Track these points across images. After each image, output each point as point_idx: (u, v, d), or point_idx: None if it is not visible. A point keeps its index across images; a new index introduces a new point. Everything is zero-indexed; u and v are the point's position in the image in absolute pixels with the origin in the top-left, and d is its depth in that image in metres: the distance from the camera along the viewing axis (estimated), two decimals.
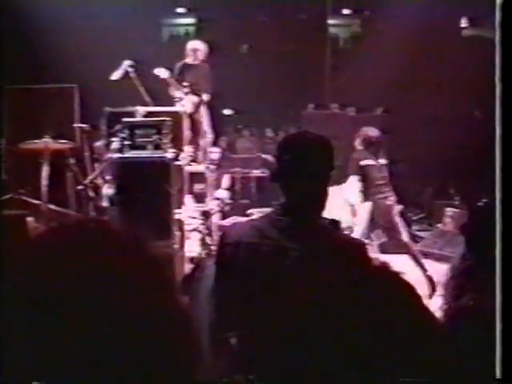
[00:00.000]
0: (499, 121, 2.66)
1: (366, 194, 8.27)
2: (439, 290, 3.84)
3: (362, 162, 8.19)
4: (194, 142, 9.30)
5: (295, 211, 2.82)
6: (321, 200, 2.90)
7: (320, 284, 2.64)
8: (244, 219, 8.07)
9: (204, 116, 9.73)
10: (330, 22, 13.72)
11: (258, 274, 2.79)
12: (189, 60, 9.88)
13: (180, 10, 14.40)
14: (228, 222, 8.80)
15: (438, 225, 10.40)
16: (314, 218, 2.88)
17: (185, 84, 9.38)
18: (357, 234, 8.17)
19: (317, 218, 2.88)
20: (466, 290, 3.06)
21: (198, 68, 9.87)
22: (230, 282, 2.87)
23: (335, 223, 2.97)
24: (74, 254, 1.13)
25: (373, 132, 8.50)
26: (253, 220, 3.20)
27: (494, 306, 2.66)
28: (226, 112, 10.13)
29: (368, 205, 8.26)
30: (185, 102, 9.29)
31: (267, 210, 8.19)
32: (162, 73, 9.38)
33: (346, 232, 5.19)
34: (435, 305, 5.28)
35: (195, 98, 9.52)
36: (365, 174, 8.22)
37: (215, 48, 10.76)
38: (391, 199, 8.36)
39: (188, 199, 8.35)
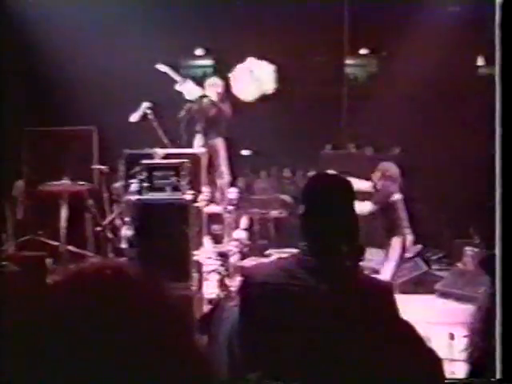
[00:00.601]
0: (499, 121, 2.66)
1: (393, 230, 8.36)
2: (465, 332, 3.80)
3: (391, 198, 8.33)
4: (212, 182, 9.31)
5: (322, 251, 2.84)
6: (347, 239, 2.93)
7: (344, 325, 2.65)
8: (262, 260, 8.07)
9: (221, 156, 9.76)
10: (347, 61, 13.79)
11: (285, 314, 2.80)
12: (206, 98, 9.91)
13: (198, 51, 14.53)
14: (247, 262, 8.78)
15: (458, 264, 10.31)
16: (342, 258, 2.90)
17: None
18: (388, 269, 8.19)
19: (344, 257, 2.90)
20: (492, 332, 3.04)
21: (217, 108, 9.91)
22: (256, 322, 2.87)
23: (359, 249, 2.98)
24: (93, 299, 1.13)
25: (392, 167, 8.65)
26: (279, 260, 3.21)
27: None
28: (244, 152, 10.16)
29: (399, 240, 8.32)
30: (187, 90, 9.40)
31: (286, 250, 8.18)
32: (161, 67, 9.55)
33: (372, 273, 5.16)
34: (460, 346, 5.22)
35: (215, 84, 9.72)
36: (391, 209, 8.34)
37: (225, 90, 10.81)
38: (409, 236, 8.45)
39: (206, 240, 8.36)
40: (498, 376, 2.63)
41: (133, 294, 1.16)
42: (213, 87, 9.98)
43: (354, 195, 2.98)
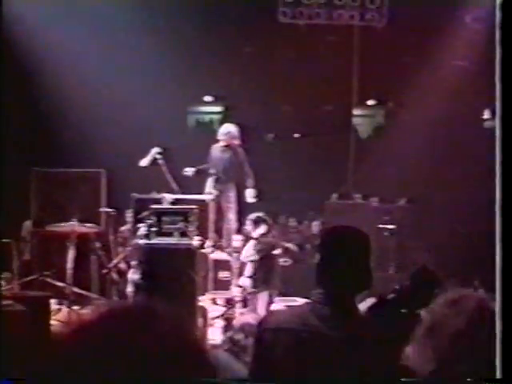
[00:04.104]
0: (499, 119, 2.70)
1: None
2: None
3: None
4: (218, 229, 9.35)
5: (335, 300, 2.92)
6: (361, 290, 3.03)
7: (351, 373, 2.71)
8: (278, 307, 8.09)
9: (232, 203, 9.81)
10: (355, 112, 13.89)
11: (297, 360, 2.87)
12: (221, 143, 9.94)
13: (207, 98, 14.65)
14: (248, 311, 8.78)
15: None
16: (355, 308, 2.98)
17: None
18: None
19: (356, 307, 3.00)
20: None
21: (232, 153, 9.94)
22: (268, 366, 2.94)
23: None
24: (122, 336, 1.18)
25: None
26: (294, 307, 3.30)
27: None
28: (250, 200, 10.21)
29: None
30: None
31: (290, 298, 8.17)
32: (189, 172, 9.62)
33: None
34: None
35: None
36: None
37: (240, 136, 10.89)
38: None
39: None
40: (498, 376, 2.66)
41: (159, 331, 1.21)
42: (227, 134, 10.01)
43: (369, 248, 3.08)
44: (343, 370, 2.80)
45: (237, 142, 10.05)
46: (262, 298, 8.60)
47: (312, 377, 2.83)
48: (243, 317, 5.48)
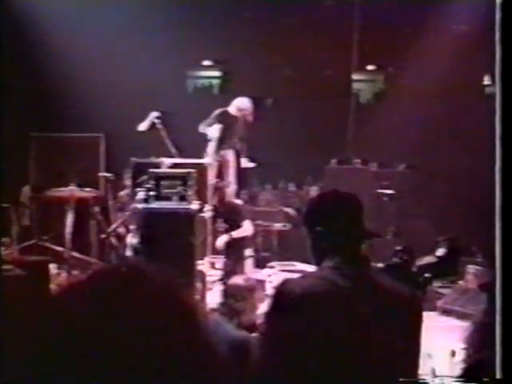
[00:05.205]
0: (499, 119, 2.70)
1: None
2: (461, 345, 3.91)
3: None
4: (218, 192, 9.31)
5: (351, 261, 3.00)
6: (360, 248, 3.08)
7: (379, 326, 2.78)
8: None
9: (233, 166, 9.78)
10: (355, 77, 13.84)
11: (330, 320, 2.89)
12: (229, 109, 9.84)
13: (206, 62, 14.61)
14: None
15: (460, 282, 10.31)
16: (368, 263, 3.10)
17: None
18: None
19: (368, 260, 3.09)
20: (487, 344, 3.15)
21: (237, 124, 9.86)
22: (295, 329, 2.93)
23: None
24: (110, 296, 1.17)
25: None
26: (312, 273, 3.31)
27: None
28: (249, 165, 10.19)
29: None
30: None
31: (288, 263, 8.19)
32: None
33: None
34: (458, 358, 5.26)
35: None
36: None
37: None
38: None
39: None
40: (498, 376, 2.67)
41: (148, 291, 1.20)
42: (241, 110, 9.87)
43: (361, 204, 3.14)
44: (372, 323, 2.87)
45: (249, 117, 9.94)
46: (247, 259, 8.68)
47: (345, 334, 2.86)
48: (233, 279, 5.46)
